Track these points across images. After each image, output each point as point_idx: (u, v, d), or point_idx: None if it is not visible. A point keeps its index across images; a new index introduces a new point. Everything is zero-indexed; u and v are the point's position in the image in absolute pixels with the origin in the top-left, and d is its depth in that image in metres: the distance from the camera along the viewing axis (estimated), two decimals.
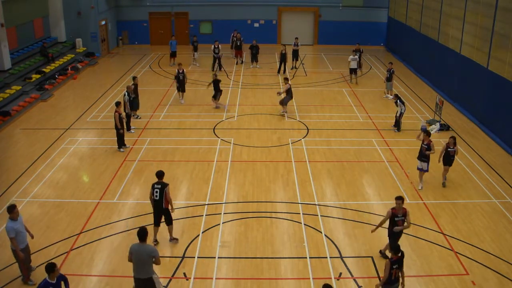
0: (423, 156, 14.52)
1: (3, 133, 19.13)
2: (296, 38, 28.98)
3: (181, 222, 12.95)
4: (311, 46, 36.10)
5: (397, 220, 10.93)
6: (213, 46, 27.67)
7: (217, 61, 27.93)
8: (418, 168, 14.82)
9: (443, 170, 14.87)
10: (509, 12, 18.01)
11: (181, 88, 22.44)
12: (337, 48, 34.82)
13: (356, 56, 25.36)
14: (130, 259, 9.45)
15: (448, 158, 14.64)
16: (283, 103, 21.00)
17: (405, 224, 10.94)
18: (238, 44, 29.69)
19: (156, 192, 11.58)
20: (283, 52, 27.00)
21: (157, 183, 11.70)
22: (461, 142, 18.31)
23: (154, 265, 9.47)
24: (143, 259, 9.28)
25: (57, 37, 30.53)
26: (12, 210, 10.26)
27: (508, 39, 17.89)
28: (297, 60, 29.11)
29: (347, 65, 28.55)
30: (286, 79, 21.49)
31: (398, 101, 19.28)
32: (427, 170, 14.71)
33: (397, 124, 19.21)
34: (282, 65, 27.62)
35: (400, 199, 10.85)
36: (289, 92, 20.83)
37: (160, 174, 11.79)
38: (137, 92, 20.20)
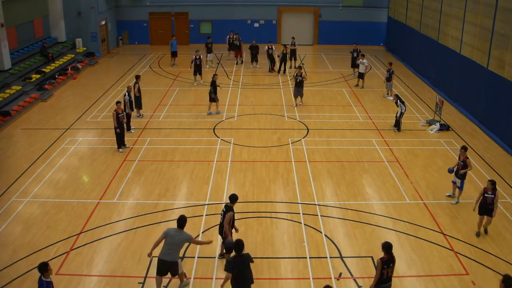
0: (459, 173, 13.72)
1: (3, 133, 19.13)
2: (293, 38, 29.09)
3: None
4: (311, 46, 36.09)
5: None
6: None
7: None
8: (452, 181, 14.17)
9: (478, 219, 12.53)
10: (509, 12, 18.01)
11: (198, 71, 25.10)
12: (337, 48, 34.82)
13: (365, 60, 25.20)
14: (159, 240, 9.79)
15: (485, 207, 12.20)
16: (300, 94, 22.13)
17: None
18: (238, 44, 29.72)
19: (221, 214, 11.12)
20: (284, 52, 27.07)
21: (226, 205, 11.08)
22: (461, 142, 18.32)
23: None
24: (176, 244, 9.70)
25: (57, 37, 30.52)
26: None
27: (508, 39, 17.89)
28: (295, 59, 29.14)
29: (346, 65, 28.67)
30: (299, 67, 22.70)
31: (398, 101, 19.27)
32: (460, 188, 13.86)
33: (397, 124, 19.20)
34: (282, 65, 27.65)
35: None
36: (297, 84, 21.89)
37: (232, 198, 11.05)
38: (140, 91, 20.27)
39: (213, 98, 20.80)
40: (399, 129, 19.16)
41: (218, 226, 11.43)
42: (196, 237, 12.19)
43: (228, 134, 18.86)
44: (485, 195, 12.17)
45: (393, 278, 9.78)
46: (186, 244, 11.88)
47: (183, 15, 35.72)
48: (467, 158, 13.77)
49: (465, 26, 21.78)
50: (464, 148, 13.95)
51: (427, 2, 27.06)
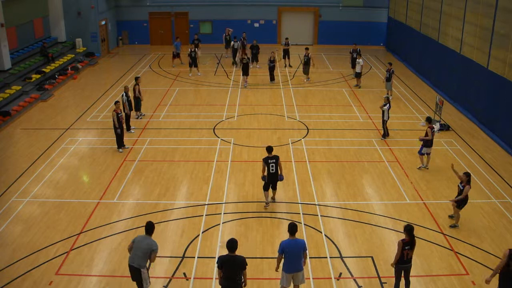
0: (419, 138, 16.04)
1: (3, 133, 19.14)
2: (287, 38, 29.19)
3: (181, 222, 12.96)
4: (311, 46, 36.05)
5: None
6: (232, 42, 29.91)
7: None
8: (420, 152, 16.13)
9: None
10: (509, 12, 18.01)
11: (193, 64, 26.83)
12: (337, 48, 34.82)
13: (361, 60, 25.09)
14: (130, 247, 9.50)
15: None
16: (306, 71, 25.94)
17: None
18: (245, 43, 29.64)
19: (272, 166, 13.11)
20: (272, 59, 25.53)
21: (270, 157, 13.14)
22: (461, 142, 18.34)
23: (152, 263, 9.48)
24: (140, 249, 9.33)
25: (57, 37, 30.53)
26: None
27: (508, 39, 17.89)
28: (289, 58, 29.16)
29: (347, 65, 28.66)
30: (306, 49, 26.11)
31: (388, 105, 18.20)
32: (419, 152, 16.10)
33: (385, 131, 18.49)
34: (273, 72, 26.06)
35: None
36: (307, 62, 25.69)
37: (271, 149, 13.28)
38: (140, 92, 20.28)
39: (246, 71, 24.87)
40: (384, 136, 18.47)
41: (269, 178, 13.23)
42: (191, 241, 12.20)
43: (228, 134, 18.86)
44: (458, 184, 12.85)
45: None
46: (185, 246, 11.91)
47: (183, 15, 35.71)
48: (429, 128, 15.70)
49: (465, 26, 21.78)
50: (427, 120, 16.15)
51: (427, 2, 27.06)
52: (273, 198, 13.87)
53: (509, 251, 9.31)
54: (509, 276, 9.31)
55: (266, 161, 13.14)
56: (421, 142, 15.93)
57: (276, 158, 13.20)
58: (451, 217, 13.25)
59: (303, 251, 9.47)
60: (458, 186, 12.75)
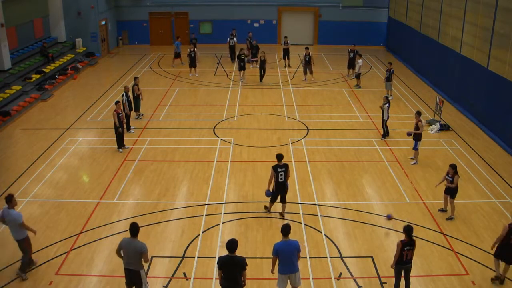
0: (411, 133, 16.34)
1: (3, 133, 19.14)
2: (285, 37, 29.18)
3: (181, 222, 12.96)
4: (311, 46, 36.04)
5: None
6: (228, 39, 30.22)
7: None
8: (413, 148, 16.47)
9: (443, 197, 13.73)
10: (509, 12, 18.02)
11: (193, 64, 26.87)
12: (337, 48, 34.82)
13: (360, 60, 25.07)
14: (118, 252, 9.47)
15: (446, 187, 13.16)
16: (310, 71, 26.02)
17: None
18: (251, 42, 29.59)
19: (281, 174, 12.53)
20: (262, 59, 25.72)
21: (280, 166, 12.56)
22: (461, 142, 18.34)
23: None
24: (131, 255, 9.31)
25: (57, 37, 30.52)
26: (11, 198, 10.54)
27: (508, 39, 17.89)
28: (288, 58, 29.16)
29: (346, 65, 28.64)
30: (306, 48, 26.34)
31: (388, 104, 18.22)
32: (414, 148, 16.28)
33: (386, 131, 18.46)
34: (262, 72, 26.01)
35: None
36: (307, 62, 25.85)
37: (281, 157, 12.67)
38: (139, 91, 20.28)
39: (242, 66, 25.59)
40: (384, 136, 18.47)
41: (277, 187, 12.70)
42: (191, 241, 12.19)
43: (228, 134, 18.86)
44: (446, 177, 13.07)
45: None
46: (185, 246, 11.91)
47: (183, 15, 35.71)
48: (420, 121, 15.93)
49: (465, 26, 21.79)
50: (418, 113, 16.30)
51: (427, 2, 27.06)
52: (282, 214, 13.10)
53: (508, 226, 10.19)
54: (508, 248, 10.30)
55: (275, 169, 12.48)
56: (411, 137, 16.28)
57: (286, 166, 12.58)
58: (441, 210, 13.47)
59: (296, 252, 9.46)
60: (447, 178, 12.99)
